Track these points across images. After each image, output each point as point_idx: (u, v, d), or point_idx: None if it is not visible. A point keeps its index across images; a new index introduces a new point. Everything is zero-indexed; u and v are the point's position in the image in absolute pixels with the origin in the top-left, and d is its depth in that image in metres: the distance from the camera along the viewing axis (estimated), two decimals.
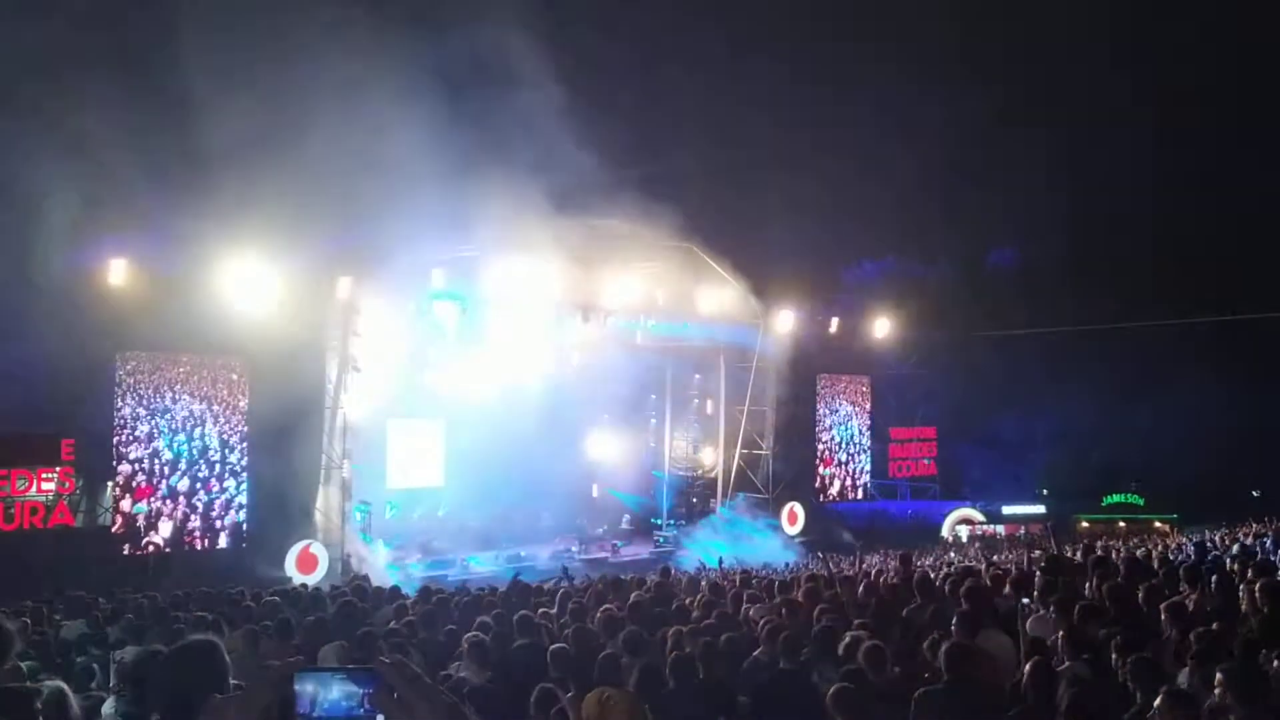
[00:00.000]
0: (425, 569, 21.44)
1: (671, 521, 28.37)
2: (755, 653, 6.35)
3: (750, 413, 27.91)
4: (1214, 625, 5.93)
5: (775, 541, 25.84)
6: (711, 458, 29.08)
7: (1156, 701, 4.01)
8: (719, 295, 25.79)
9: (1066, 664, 5.35)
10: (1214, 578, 7.54)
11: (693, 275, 25.00)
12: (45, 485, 18.27)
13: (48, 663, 7.26)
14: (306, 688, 1.45)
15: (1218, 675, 4.08)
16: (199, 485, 19.95)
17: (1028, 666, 5.05)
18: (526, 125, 20.53)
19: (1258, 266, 33.14)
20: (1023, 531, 29.81)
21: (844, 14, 35.81)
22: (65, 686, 3.51)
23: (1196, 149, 35.79)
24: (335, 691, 1.45)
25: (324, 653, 6.83)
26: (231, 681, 2.74)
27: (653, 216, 23.01)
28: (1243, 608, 6.70)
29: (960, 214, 37.38)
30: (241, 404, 20.48)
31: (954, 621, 6.32)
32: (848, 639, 6.10)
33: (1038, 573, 8.69)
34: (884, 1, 37.92)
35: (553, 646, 6.13)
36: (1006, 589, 8.67)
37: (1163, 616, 6.31)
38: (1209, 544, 16.78)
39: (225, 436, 20.36)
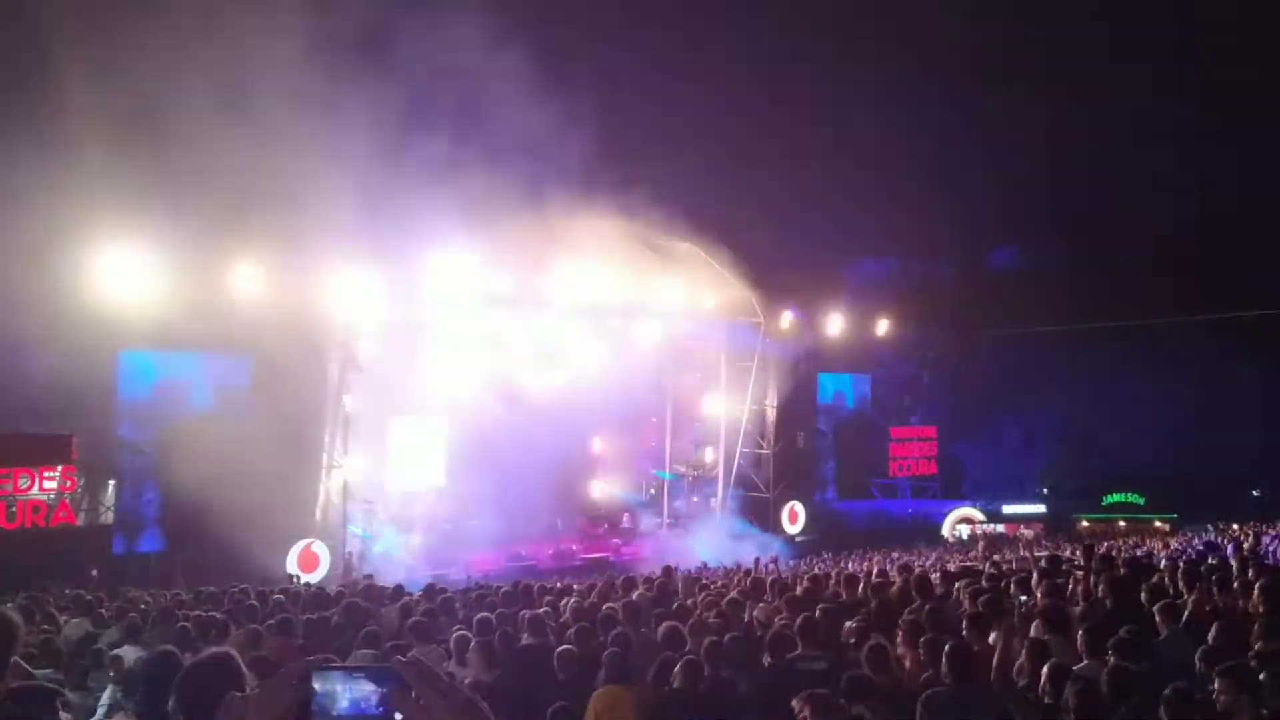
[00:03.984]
0: (426, 568, 21.44)
1: (673, 520, 28.36)
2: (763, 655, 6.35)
3: (751, 412, 27.91)
4: (1215, 626, 5.95)
5: (771, 541, 25.84)
6: (712, 457, 29.09)
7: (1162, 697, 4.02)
8: (720, 294, 25.80)
9: (1083, 663, 5.36)
10: (1215, 577, 7.56)
11: (694, 275, 25.01)
12: (47, 484, 18.27)
13: (53, 661, 7.27)
14: (324, 687, 1.46)
15: (1219, 680, 4.09)
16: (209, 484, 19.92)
17: (1045, 668, 5.04)
18: (529, 125, 20.55)
19: (1257, 265, 33.14)
20: (1022, 531, 29.84)
21: (845, 13, 35.80)
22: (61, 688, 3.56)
23: (1197, 148, 35.80)
24: (353, 690, 1.46)
25: (351, 660, 6.82)
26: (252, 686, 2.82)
27: (654, 216, 23.03)
28: (1245, 607, 6.71)
29: (960, 214, 37.38)
30: (243, 402, 20.47)
31: (964, 623, 6.33)
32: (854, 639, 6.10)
33: (1035, 573, 8.70)
34: (886, 1, 37.90)
35: (560, 648, 6.14)
36: (1011, 588, 8.68)
37: (1157, 618, 6.33)
38: (1213, 543, 16.81)
39: (226, 435, 20.32)
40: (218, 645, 6.99)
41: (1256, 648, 5.28)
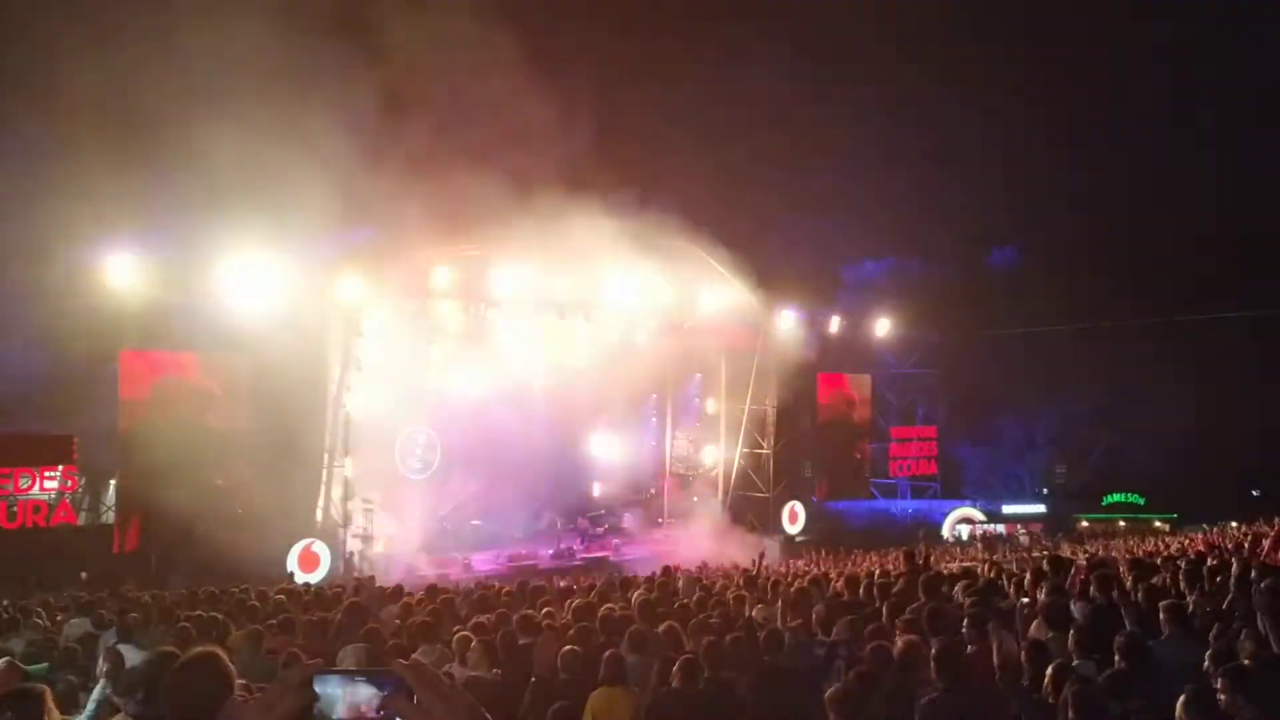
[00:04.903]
0: (427, 568, 21.46)
1: (672, 520, 28.37)
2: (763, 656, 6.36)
3: (751, 411, 27.91)
4: (1215, 627, 5.95)
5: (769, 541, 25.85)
6: (713, 457, 29.09)
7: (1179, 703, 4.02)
8: (720, 294, 25.80)
9: (1074, 663, 5.36)
10: (1218, 579, 7.56)
11: (694, 275, 25.02)
12: (48, 484, 18.27)
13: (50, 659, 7.28)
14: (326, 690, 1.46)
15: (1220, 680, 4.09)
16: (200, 484, 19.94)
17: (1050, 669, 5.04)
18: (527, 123, 20.55)
19: (1257, 264, 33.14)
20: (1020, 530, 29.83)
21: (845, 14, 35.81)
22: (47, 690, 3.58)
23: (1196, 147, 35.82)
24: (354, 694, 1.47)
25: (343, 654, 6.84)
26: (239, 682, 2.83)
27: (655, 216, 23.04)
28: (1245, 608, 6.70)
29: (960, 214, 37.39)
30: (244, 402, 20.49)
31: (964, 622, 6.34)
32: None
33: (1028, 574, 8.71)
34: (886, 2, 37.91)
35: (563, 649, 6.14)
36: (1009, 589, 8.69)
37: (1161, 616, 6.32)
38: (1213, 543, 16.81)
39: (227, 435, 20.35)
40: (217, 646, 7.00)
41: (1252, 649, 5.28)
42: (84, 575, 17.05)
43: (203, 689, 2.65)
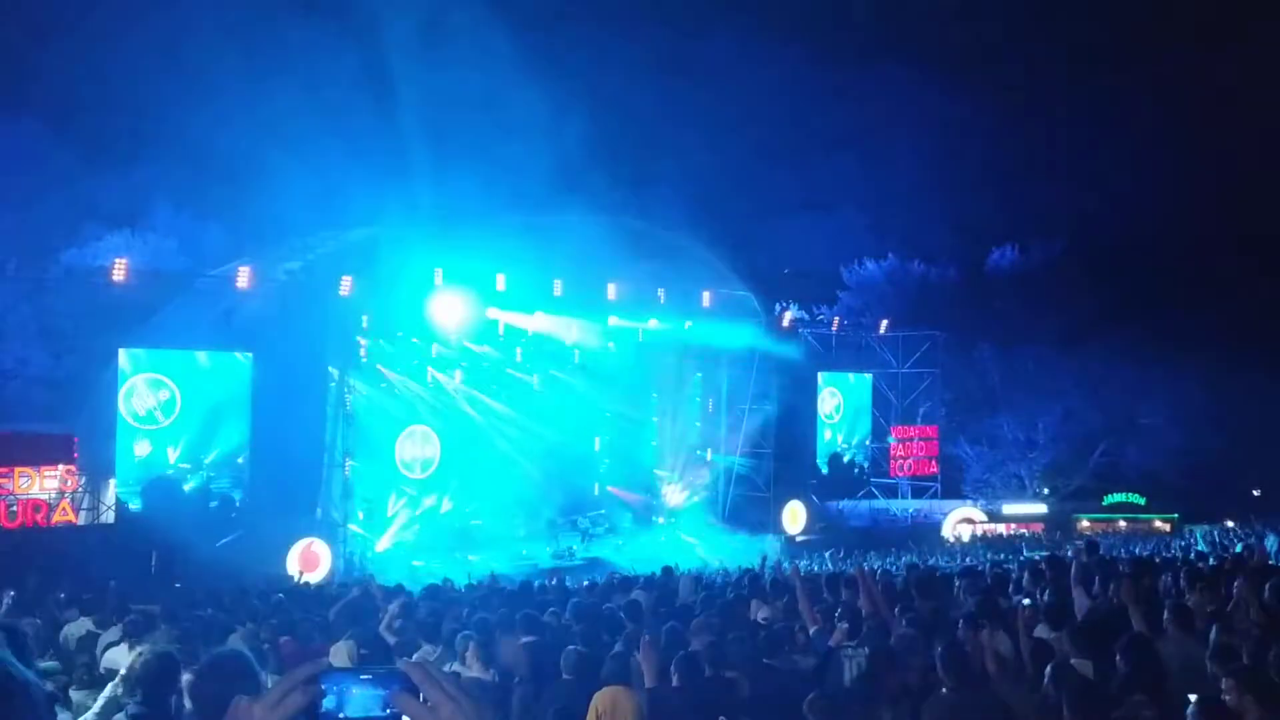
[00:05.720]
0: (426, 567, 21.45)
1: (672, 520, 28.36)
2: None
3: (751, 411, 27.90)
4: (1215, 627, 5.95)
5: (771, 541, 25.85)
6: (713, 456, 29.07)
7: (1189, 710, 4.01)
8: (721, 294, 25.81)
9: (1081, 661, 5.37)
10: (1218, 578, 7.56)
11: (695, 274, 25.02)
12: (48, 483, 18.25)
13: (50, 657, 7.29)
14: (331, 688, 1.47)
15: (1225, 680, 4.08)
16: (201, 484, 19.96)
17: (1049, 668, 5.04)
18: (530, 124, 20.57)
19: (1257, 264, 33.12)
20: (1016, 530, 29.81)
21: (846, 14, 35.83)
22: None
23: (1197, 146, 35.84)
24: (359, 692, 1.47)
25: (335, 649, 6.85)
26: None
27: (655, 214, 23.07)
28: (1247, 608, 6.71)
29: (960, 214, 37.42)
30: (244, 401, 20.49)
31: (960, 623, 6.34)
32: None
33: (1027, 574, 8.73)
34: (888, 2, 37.94)
35: (567, 649, 6.14)
36: (1009, 589, 8.70)
37: (1165, 615, 6.32)
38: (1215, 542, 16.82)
39: (227, 434, 20.36)
40: (219, 646, 7.00)
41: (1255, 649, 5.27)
42: (112, 583, 16.91)
43: (231, 687, 2.67)
